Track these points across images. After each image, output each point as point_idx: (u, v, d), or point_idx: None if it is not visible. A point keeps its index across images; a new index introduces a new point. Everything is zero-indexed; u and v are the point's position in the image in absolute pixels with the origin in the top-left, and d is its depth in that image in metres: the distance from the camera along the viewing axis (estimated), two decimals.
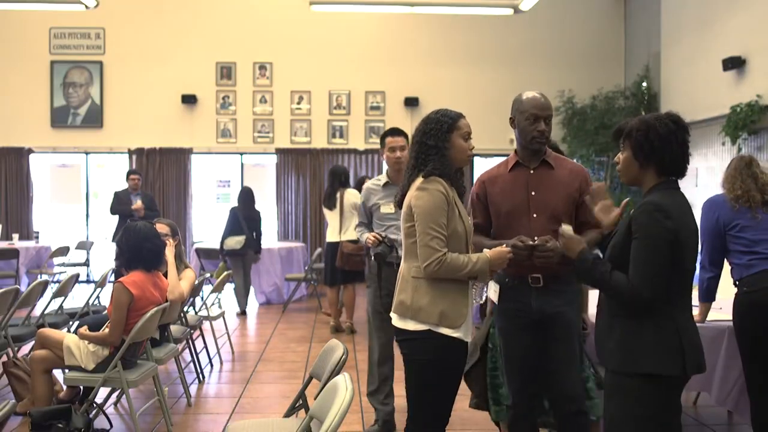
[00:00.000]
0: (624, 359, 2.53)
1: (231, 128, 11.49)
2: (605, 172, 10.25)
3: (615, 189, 9.99)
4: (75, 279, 6.03)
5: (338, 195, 7.47)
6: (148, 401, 4.79)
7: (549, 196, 3.09)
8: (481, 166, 11.49)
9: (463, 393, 3.38)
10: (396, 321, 2.92)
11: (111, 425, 4.32)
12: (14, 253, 9.20)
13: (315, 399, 2.69)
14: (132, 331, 4.03)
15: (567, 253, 2.72)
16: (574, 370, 3.14)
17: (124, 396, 4.63)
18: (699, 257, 3.47)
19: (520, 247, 2.93)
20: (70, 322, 5.85)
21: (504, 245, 2.93)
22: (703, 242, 3.75)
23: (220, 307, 7.23)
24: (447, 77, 11.44)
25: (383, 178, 4.41)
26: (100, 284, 6.47)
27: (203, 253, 9.52)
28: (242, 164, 11.72)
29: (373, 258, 4.05)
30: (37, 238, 10.58)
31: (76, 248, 10.57)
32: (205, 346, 6.30)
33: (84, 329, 4.20)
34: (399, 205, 3.03)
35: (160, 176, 11.38)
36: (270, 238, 10.67)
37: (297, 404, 3.29)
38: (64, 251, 9.86)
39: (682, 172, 2.60)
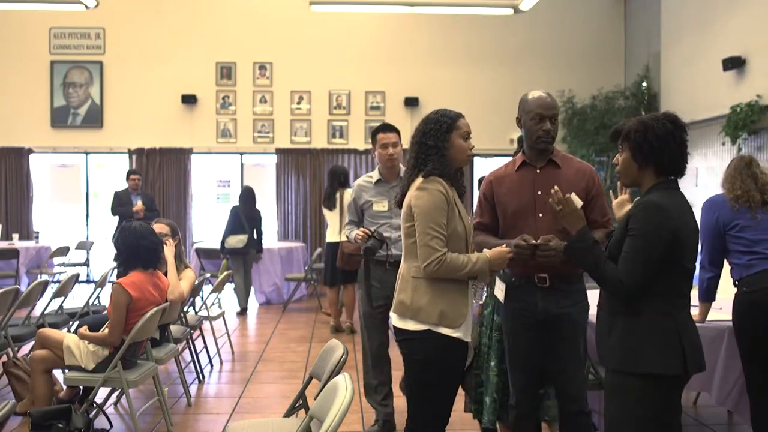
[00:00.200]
0: (624, 358, 2.54)
1: (231, 128, 11.49)
2: (605, 172, 10.25)
3: (613, 190, 9.98)
4: (75, 279, 6.03)
5: (338, 195, 7.47)
6: (148, 401, 4.79)
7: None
8: (481, 166, 11.50)
9: (463, 393, 3.38)
10: (396, 321, 2.93)
11: (111, 425, 4.32)
12: (14, 253, 9.20)
13: (315, 399, 2.69)
14: (132, 332, 4.03)
15: (566, 225, 2.75)
16: (578, 371, 3.13)
17: (124, 396, 4.63)
18: (699, 257, 3.48)
19: (523, 246, 2.93)
20: (70, 322, 5.85)
21: (504, 245, 2.94)
22: (703, 242, 3.76)
23: (220, 307, 7.23)
24: (447, 77, 11.44)
25: (375, 175, 4.31)
26: (100, 284, 6.47)
27: (203, 253, 9.53)
28: (242, 164, 11.72)
29: (362, 254, 3.96)
30: (37, 238, 10.58)
31: (76, 248, 10.57)
32: (205, 346, 6.30)
33: (84, 329, 4.20)
34: (399, 205, 3.03)
35: (160, 176, 11.38)
36: (270, 238, 10.67)
37: (297, 404, 3.29)
38: (64, 251, 9.86)
39: (681, 171, 2.60)
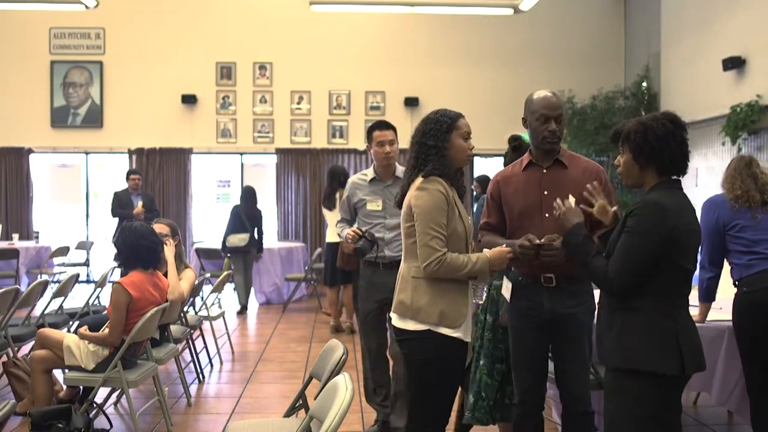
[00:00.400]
0: (621, 356, 2.55)
1: (231, 128, 11.49)
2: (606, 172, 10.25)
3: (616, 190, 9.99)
4: (75, 279, 6.03)
5: (337, 195, 7.47)
6: (148, 401, 4.79)
7: (561, 195, 3.02)
8: (481, 166, 11.50)
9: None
10: (396, 321, 2.93)
11: (111, 425, 4.32)
12: (14, 253, 9.20)
13: (315, 399, 2.69)
14: (132, 332, 4.03)
15: (562, 223, 2.77)
16: (582, 371, 3.14)
17: (124, 396, 4.63)
18: (699, 257, 3.48)
19: (527, 246, 2.93)
20: (70, 322, 5.85)
21: (504, 245, 2.94)
22: (703, 242, 3.75)
23: (220, 307, 7.23)
24: (447, 77, 11.44)
25: (370, 173, 4.20)
26: (100, 284, 6.47)
27: (203, 253, 9.53)
28: (242, 164, 11.72)
29: (353, 254, 3.90)
30: (37, 238, 10.58)
31: (76, 248, 10.57)
32: (205, 346, 6.30)
33: (84, 329, 4.20)
34: (399, 205, 3.03)
35: (160, 176, 11.38)
36: (270, 238, 10.68)
37: (297, 404, 3.29)
38: (64, 251, 9.86)
39: (682, 170, 2.61)
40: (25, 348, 5.52)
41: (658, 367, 2.47)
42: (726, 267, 3.81)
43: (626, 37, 11.69)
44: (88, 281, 10.93)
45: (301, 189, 11.53)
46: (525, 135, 3.56)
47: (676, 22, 9.96)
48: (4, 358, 4.88)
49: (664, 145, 2.54)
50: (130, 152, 11.34)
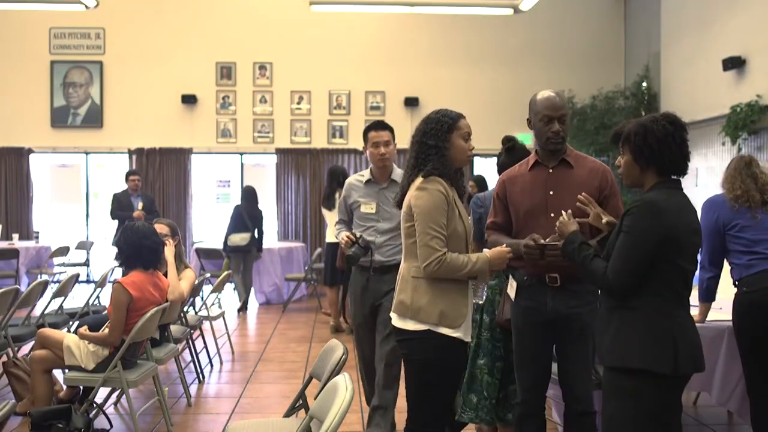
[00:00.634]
0: (617, 355, 2.55)
1: (231, 128, 11.49)
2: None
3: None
4: (75, 279, 6.03)
5: (337, 195, 7.47)
6: (148, 401, 4.79)
7: (567, 195, 3.04)
8: (481, 166, 11.50)
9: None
10: (396, 321, 2.93)
11: (111, 425, 4.32)
12: (14, 253, 9.20)
13: (315, 399, 2.69)
14: (132, 332, 4.03)
15: (560, 236, 2.79)
16: (585, 372, 3.14)
17: (124, 396, 4.63)
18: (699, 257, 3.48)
19: (532, 246, 2.94)
20: (70, 322, 5.85)
21: (504, 245, 2.95)
22: (703, 242, 3.75)
23: (220, 307, 7.24)
24: (447, 77, 11.43)
25: (366, 175, 4.12)
26: (100, 284, 6.47)
27: (203, 253, 9.54)
28: (242, 164, 11.72)
29: (346, 260, 3.83)
30: (37, 238, 10.58)
31: (76, 248, 10.57)
32: (205, 346, 6.30)
33: (84, 329, 4.20)
34: (399, 205, 3.03)
35: (160, 176, 11.38)
36: (270, 238, 10.68)
37: (297, 404, 3.29)
38: (64, 251, 9.86)
39: (683, 171, 2.61)
40: (25, 348, 5.52)
41: (652, 365, 2.47)
42: (726, 267, 3.81)
43: (626, 37, 11.69)
44: (88, 281, 10.93)
45: (301, 189, 11.53)
46: (527, 135, 3.56)
47: (676, 22, 9.95)
48: (4, 358, 4.88)
49: (664, 146, 2.55)
50: (130, 152, 11.33)
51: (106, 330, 4.15)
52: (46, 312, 5.64)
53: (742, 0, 8.41)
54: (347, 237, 3.85)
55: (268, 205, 11.02)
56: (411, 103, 11.33)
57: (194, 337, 5.89)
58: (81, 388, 4.55)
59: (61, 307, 6.10)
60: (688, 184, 8.82)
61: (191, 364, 5.75)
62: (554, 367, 3.28)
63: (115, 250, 4.51)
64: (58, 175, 11.63)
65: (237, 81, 11.47)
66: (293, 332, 7.61)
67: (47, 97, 11.33)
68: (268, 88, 11.51)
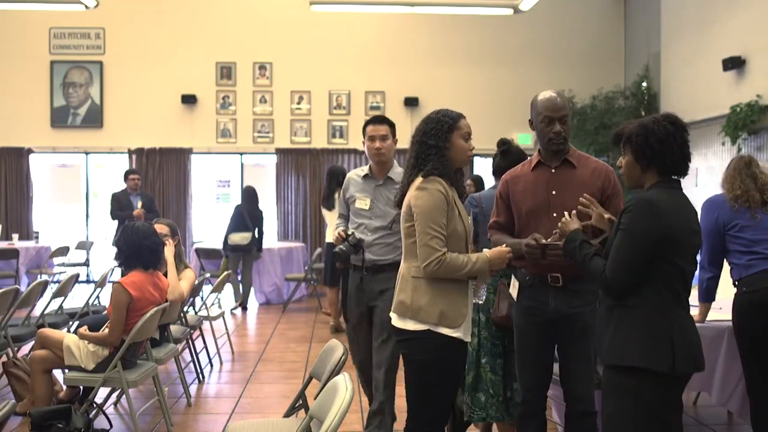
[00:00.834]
0: (616, 353, 2.56)
1: (231, 128, 11.49)
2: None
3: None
4: (75, 279, 6.03)
5: (336, 195, 7.47)
6: (148, 401, 4.79)
7: (569, 195, 3.04)
8: (481, 166, 11.49)
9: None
10: (395, 321, 2.93)
11: (111, 425, 4.31)
12: (14, 253, 9.20)
13: (315, 399, 2.70)
14: (132, 332, 4.03)
15: (562, 235, 2.81)
16: (585, 372, 3.14)
17: (124, 396, 4.63)
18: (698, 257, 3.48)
19: (533, 245, 2.94)
20: (70, 322, 5.85)
21: (504, 245, 2.95)
22: (703, 242, 3.75)
23: (220, 307, 7.24)
24: (447, 77, 11.44)
25: (365, 170, 4.03)
26: (100, 284, 6.47)
27: (203, 253, 9.54)
28: (242, 164, 11.72)
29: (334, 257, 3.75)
30: (37, 238, 10.58)
31: (76, 248, 10.57)
32: (205, 346, 6.30)
33: (84, 329, 4.20)
34: (399, 205, 3.03)
35: (160, 176, 11.38)
36: (270, 238, 10.69)
37: (297, 404, 3.29)
38: (64, 251, 9.85)
39: (683, 171, 2.62)
40: (25, 348, 5.52)
41: (648, 363, 2.48)
42: (726, 267, 3.81)
43: (626, 37, 11.69)
44: (88, 281, 10.93)
45: (301, 189, 11.53)
46: (527, 135, 3.56)
47: (676, 22, 9.95)
48: (4, 358, 4.88)
49: (666, 147, 2.55)
50: (130, 152, 11.33)
51: (106, 330, 4.15)
52: (46, 312, 5.64)
53: (742, 0, 8.42)
54: (339, 233, 3.81)
55: (268, 205, 11.03)
56: (411, 103, 11.33)
57: (194, 337, 5.89)
58: (81, 388, 4.55)
59: (61, 307, 6.10)
60: (688, 184, 8.82)
61: (191, 364, 5.75)
62: (555, 367, 3.28)
63: (114, 250, 4.51)
64: (58, 175, 11.63)
65: (237, 81, 11.47)
66: (293, 332, 7.61)
67: (47, 97, 11.33)
68: (268, 88, 11.51)
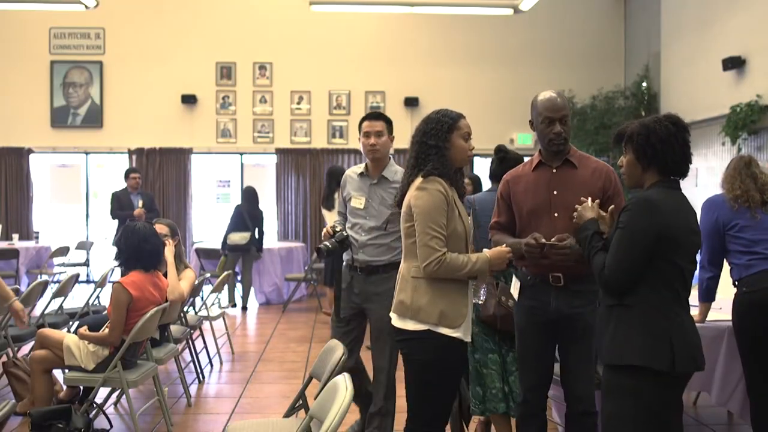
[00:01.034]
0: (615, 352, 2.56)
1: (231, 128, 11.49)
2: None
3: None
4: (75, 279, 6.03)
5: (336, 195, 7.47)
6: (148, 401, 4.79)
7: (570, 195, 3.04)
8: (481, 166, 11.49)
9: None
10: (395, 321, 2.93)
11: (111, 425, 4.32)
12: (14, 253, 9.20)
13: (315, 399, 2.70)
14: (132, 332, 4.03)
15: (578, 220, 2.81)
16: (586, 371, 3.14)
17: (124, 396, 4.63)
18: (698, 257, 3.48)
19: (533, 245, 2.94)
20: (70, 322, 5.85)
21: (504, 245, 2.96)
22: (702, 242, 3.76)
23: (220, 307, 7.24)
24: (447, 77, 11.43)
25: (362, 167, 3.97)
26: (100, 284, 6.47)
27: (203, 253, 9.54)
28: (242, 164, 11.72)
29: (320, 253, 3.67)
30: (37, 238, 10.57)
31: (76, 248, 10.56)
32: (205, 346, 6.30)
33: (84, 329, 4.20)
34: (399, 204, 3.03)
35: (160, 176, 11.38)
36: (270, 238, 10.69)
37: (297, 404, 3.29)
38: (64, 251, 9.85)
39: (684, 172, 2.62)
40: (25, 348, 5.52)
41: (648, 361, 2.48)
42: (726, 267, 3.81)
43: (626, 37, 11.69)
44: (88, 281, 10.93)
45: (301, 189, 11.53)
46: (527, 135, 3.57)
47: (676, 22, 9.96)
48: (4, 358, 4.88)
49: (667, 147, 2.56)
50: (130, 152, 11.33)
51: (106, 330, 4.15)
52: (46, 312, 5.64)
53: (742, 0, 8.42)
54: (326, 230, 3.75)
55: (268, 205, 11.03)
56: (411, 103, 11.33)
57: (194, 337, 5.89)
58: (81, 388, 4.55)
59: (61, 307, 6.11)
60: (688, 184, 8.83)
61: (191, 364, 5.75)
62: (555, 367, 3.28)
63: (115, 249, 4.50)
64: (58, 175, 11.63)
65: (237, 81, 11.47)
66: (293, 332, 7.61)
67: (47, 97, 11.33)
68: (268, 88, 11.51)
